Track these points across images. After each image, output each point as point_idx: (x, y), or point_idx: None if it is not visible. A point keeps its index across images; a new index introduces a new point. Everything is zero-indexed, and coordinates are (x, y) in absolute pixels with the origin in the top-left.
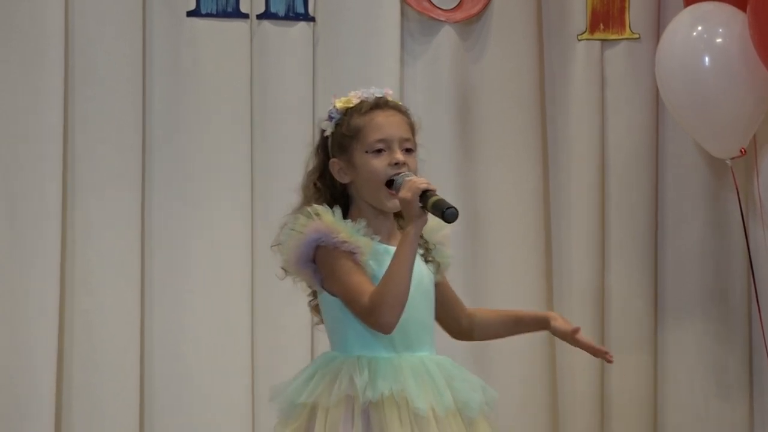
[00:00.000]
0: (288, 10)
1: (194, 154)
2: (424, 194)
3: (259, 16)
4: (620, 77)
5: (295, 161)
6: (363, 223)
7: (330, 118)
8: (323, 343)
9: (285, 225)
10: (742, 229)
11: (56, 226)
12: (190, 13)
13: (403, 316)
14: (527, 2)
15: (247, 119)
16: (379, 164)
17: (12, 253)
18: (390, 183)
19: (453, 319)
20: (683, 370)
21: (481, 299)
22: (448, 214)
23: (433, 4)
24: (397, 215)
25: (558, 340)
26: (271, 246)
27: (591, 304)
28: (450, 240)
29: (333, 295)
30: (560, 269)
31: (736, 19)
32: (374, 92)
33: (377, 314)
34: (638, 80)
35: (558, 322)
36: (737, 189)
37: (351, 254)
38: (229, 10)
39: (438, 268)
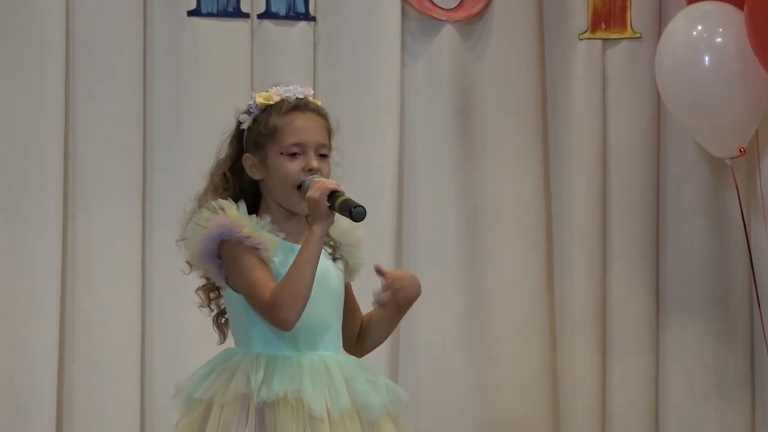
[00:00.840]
0: (289, 10)
1: (195, 153)
2: (333, 194)
3: (260, 16)
4: (621, 77)
5: None
6: (267, 219)
7: (249, 112)
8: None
9: (190, 219)
10: (743, 228)
11: (57, 226)
12: (190, 13)
13: (308, 315)
14: (528, 1)
15: None
16: (293, 168)
17: (12, 252)
18: (301, 186)
19: (351, 327)
20: (684, 371)
21: (481, 299)
22: (355, 212)
23: (434, 4)
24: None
25: (559, 339)
26: (177, 241)
27: (592, 304)
28: (362, 242)
29: (236, 291)
30: (561, 269)
31: (736, 19)
32: (296, 92)
33: (277, 310)
34: (640, 80)
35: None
36: (737, 189)
37: (255, 250)
38: (230, 9)
39: (347, 268)
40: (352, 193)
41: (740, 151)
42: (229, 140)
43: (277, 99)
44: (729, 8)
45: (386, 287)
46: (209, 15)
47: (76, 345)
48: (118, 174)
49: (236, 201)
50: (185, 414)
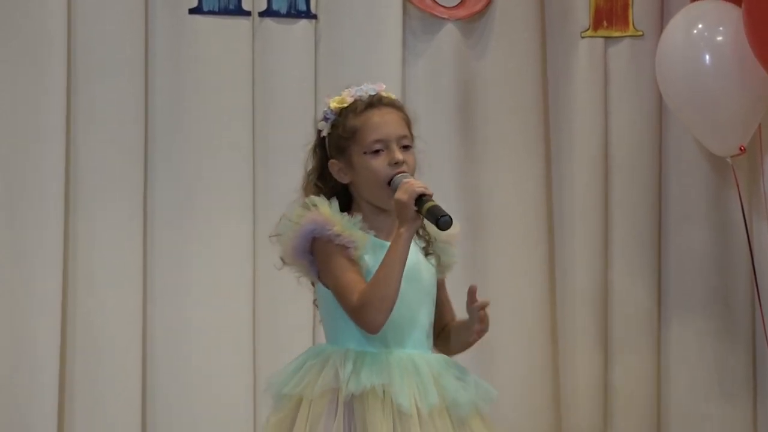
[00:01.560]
0: (290, 8)
1: (196, 152)
2: (420, 198)
3: (261, 14)
4: (623, 75)
5: (296, 159)
6: (359, 217)
7: (325, 118)
8: (324, 342)
9: (283, 216)
10: (744, 227)
11: (58, 226)
12: (192, 11)
13: (397, 312)
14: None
15: (249, 117)
16: (379, 164)
17: (14, 253)
18: (390, 183)
19: (441, 324)
20: (686, 370)
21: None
22: (442, 222)
23: (436, 2)
24: None
25: (560, 338)
26: (270, 236)
27: (594, 302)
28: (457, 240)
29: (327, 288)
30: (563, 268)
31: (736, 18)
32: (367, 90)
33: (364, 314)
34: (641, 78)
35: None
36: (738, 187)
37: (345, 248)
38: (231, 7)
39: (440, 264)
40: None
41: (740, 149)
42: (312, 151)
43: (350, 101)
44: (729, 6)
45: (478, 318)
46: (210, 13)
47: (78, 345)
48: (119, 173)
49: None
50: (275, 411)
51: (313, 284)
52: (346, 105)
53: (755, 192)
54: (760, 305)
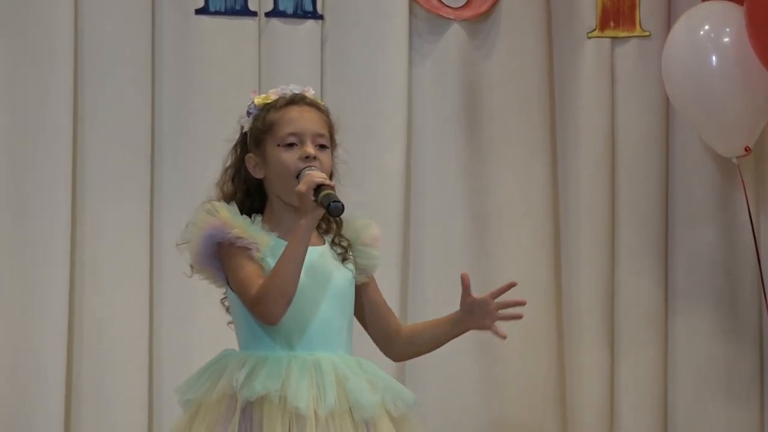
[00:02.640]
0: (296, 8)
1: (203, 152)
2: (319, 188)
3: (268, 14)
4: (630, 75)
5: None
6: (259, 218)
7: (248, 113)
8: None
9: (189, 222)
10: (750, 226)
11: (66, 226)
12: (198, 11)
13: (305, 315)
14: (536, 0)
15: None
16: (290, 157)
17: (21, 252)
18: (299, 176)
19: (378, 328)
20: (693, 369)
21: None
22: (332, 207)
23: (442, 3)
24: None
25: (567, 337)
26: (177, 244)
27: (600, 302)
28: (379, 241)
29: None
30: (569, 267)
31: (743, 19)
32: (292, 89)
33: (262, 304)
34: (648, 78)
35: (470, 299)
36: (744, 187)
37: (247, 250)
38: (238, 8)
39: (360, 269)
40: (357, 192)
41: (745, 150)
42: (233, 148)
43: (274, 98)
44: (736, 8)
45: (489, 300)
46: (217, 13)
47: (85, 344)
48: (126, 172)
49: (243, 205)
50: (181, 416)
51: (225, 292)
52: (269, 101)
53: (762, 192)
54: (767, 304)
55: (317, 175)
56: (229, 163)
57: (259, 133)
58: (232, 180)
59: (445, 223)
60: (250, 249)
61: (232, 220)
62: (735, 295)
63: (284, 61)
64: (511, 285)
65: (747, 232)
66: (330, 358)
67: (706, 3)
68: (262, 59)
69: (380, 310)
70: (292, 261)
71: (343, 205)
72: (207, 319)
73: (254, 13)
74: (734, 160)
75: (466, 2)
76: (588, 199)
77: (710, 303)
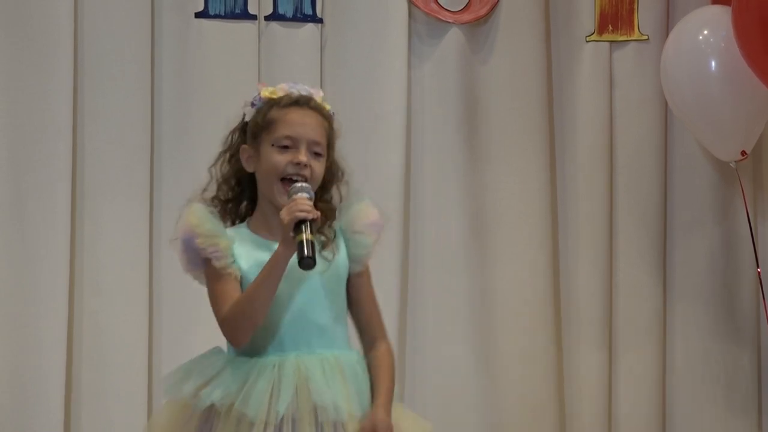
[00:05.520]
0: (296, 12)
1: (202, 154)
2: (299, 225)
3: (267, 18)
4: (629, 79)
5: None
6: (244, 223)
7: (253, 104)
8: None
9: (179, 217)
10: (749, 231)
11: (65, 227)
12: (198, 14)
13: (286, 316)
14: (535, 4)
15: None
16: (281, 159)
17: (21, 253)
18: (285, 180)
19: (356, 325)
20: (691, 373)
21: (487, 300)
22: (303, 263)
23: (441, 6)
24: None
25: (565, 341)
26: (171, 240)
27: (598, 305)
28: (375, 226)
29: None
30: (567, 270)
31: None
32: (301, 89)
33: (229, 328)
34: (647, 82)
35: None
36: (743, 190)
37: (210, 258)
38: (237, 11)
39: (354, 259)
40: (360, 191)
41: (742, 154)
42: (230, 132)
43: (280, 94)
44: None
45: None
46: (216, 17)
47: (84, 345)
48: (126, 174)
49: (233, 195)
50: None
51: None
52: (275, 96)
53: (760, 195)
54: (766, 310)
55: (301, 208)
56: (225, 147)
57: (257, 128)
58: (229, 162)
59: (444, 226)
60: (211, 257)
61: (197, 226)
62: (733, 297)
63: (284, 64)
64: None
65: (745, 235)
66: (298, 360)
67: (704, 7)
68: (262, 62)
69: (362, 308)
70: (265, 289)
71: (314, 263)
72: (206, 320)
73: (254, 17)
74: (732, 164)
75: (465, 6)
76: (586, 202)
77: (708, 305)
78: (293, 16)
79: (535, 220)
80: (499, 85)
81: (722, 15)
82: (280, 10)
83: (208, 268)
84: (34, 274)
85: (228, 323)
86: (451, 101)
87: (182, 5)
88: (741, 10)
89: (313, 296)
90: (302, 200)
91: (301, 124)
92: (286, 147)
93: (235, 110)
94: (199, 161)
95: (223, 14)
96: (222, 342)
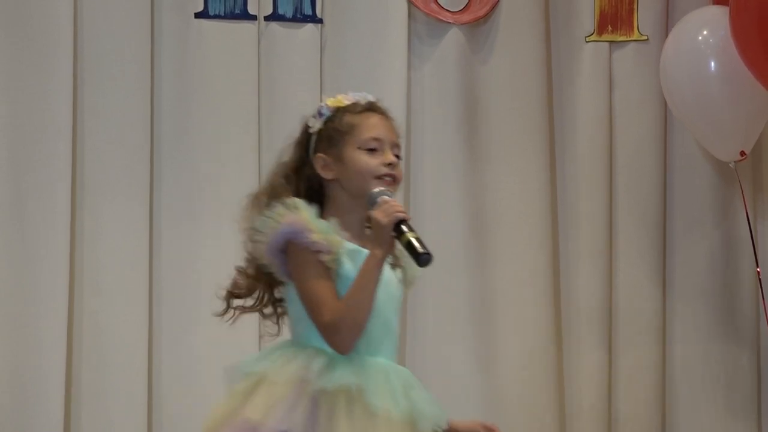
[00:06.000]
0: (296, 12)
1: (202, 155)
2: (399, 225)
3: (267, 18)
4: (628, 79)
5: None
6: (335, 221)
7: (319, 114)
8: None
9: (249, 207)
10: (749, 231)
11: (65, 227)
12: (198, 15)
13: (371, 323)
14: (535, 4)
15: (255, 120)
16: (371, 161)
17: (21, 253)
18: (380, 177)
19: None
20: (691, 372)
21: (487, 300)
22: (422, 259)
23: (441, 6)
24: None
25: (565, 341)
26: (242, 228)
27: (598, 305)
28: None
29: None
30: (567, 270)
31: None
32: (366, 96)
33: (337, 335)
34: (646, 82)
35: None
36: (742, 191)
37: (319, 254)
38: (237, 11)
39: (406, 280)
40: None
41: (741, 154)
42: (293, 145)
43: (348, 102)
44: None
45: None
46: (216, 17)
47: (84, 345)
48: (126, 174)
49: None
50: (239, 384)
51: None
52: (344, 104)
53: (759, 195)
54: (766, 310)
55: (397, 208)
56: (286, 158)
57: (335, 134)
58: (287, 176)
59: (444, 226)
60: (323, 252)
61: (311, 222)
62: (733, 297)
63: (283, 64)
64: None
65: (745, 235)
66: (392, 366)
67: (703, 8)
68: (261, 62)
69: None
70: (367, 291)
71: (432, 257)
72: (206, 320)
73: (254, 17)
74: (731, 165)
75: (465, 6)
76: (586, 202)
77: (708, 306)
78: (293, 16)
79: (535, 220)
80: (499, 85)
81: (722, 15)
82: (280, 11)
83: (307, 266)
84: (34, 274)
85: (337, 330)
86: (451, 101)
87: (182, 5)
88: (739, 11)
89: (393, 304)
90: (394, 201)
91: (384, 127)
92: (373, 149)
93: (235, 110)
94: (198, 161)
95: (222, 14)
96: (223, 340)
